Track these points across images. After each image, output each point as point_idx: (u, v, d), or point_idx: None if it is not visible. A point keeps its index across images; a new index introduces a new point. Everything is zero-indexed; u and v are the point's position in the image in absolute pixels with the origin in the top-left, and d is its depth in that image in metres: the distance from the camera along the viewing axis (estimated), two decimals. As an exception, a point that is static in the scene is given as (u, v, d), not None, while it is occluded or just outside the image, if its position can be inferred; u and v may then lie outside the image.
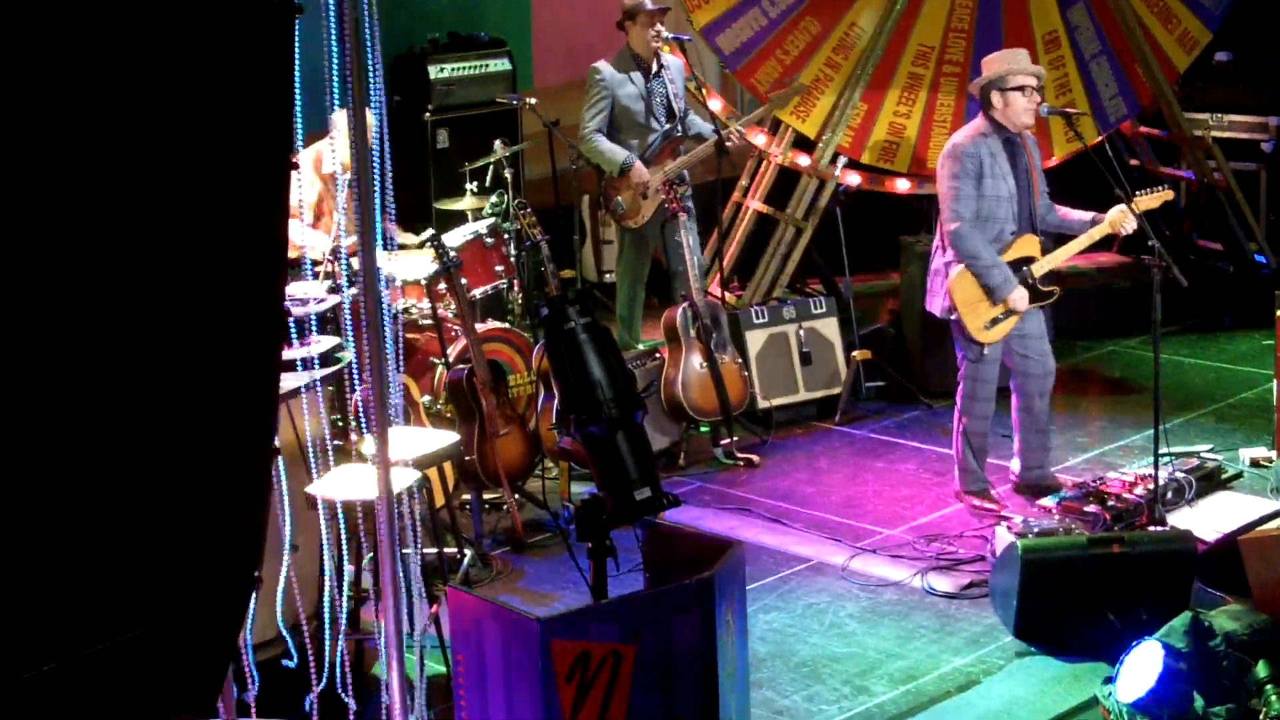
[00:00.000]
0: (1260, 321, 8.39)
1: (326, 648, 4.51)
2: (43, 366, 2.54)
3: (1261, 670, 4.83)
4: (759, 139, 9.00)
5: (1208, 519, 6.35)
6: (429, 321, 6.78)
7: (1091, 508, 6.28)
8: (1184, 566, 5.59)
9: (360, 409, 4.38)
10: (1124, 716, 4.89)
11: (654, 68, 7.97)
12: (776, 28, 8.72)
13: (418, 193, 8.73)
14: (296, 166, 3.01)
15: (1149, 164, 9.98)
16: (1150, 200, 6.63)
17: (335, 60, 3.71)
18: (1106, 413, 8.01)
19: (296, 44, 2.82)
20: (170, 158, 2.65)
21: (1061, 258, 6.73)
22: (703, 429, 7.76)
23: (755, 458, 7.59)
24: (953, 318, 6.63)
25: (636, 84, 7.96)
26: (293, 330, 4.91)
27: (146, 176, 2.62)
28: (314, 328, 5.15)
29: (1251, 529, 5.76)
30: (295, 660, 4.61)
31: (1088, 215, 6.70)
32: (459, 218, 7.85)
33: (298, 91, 2.89)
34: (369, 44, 3.72)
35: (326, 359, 5.05)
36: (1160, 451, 6.30)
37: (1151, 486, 6.32)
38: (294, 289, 5.24)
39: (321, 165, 6.96)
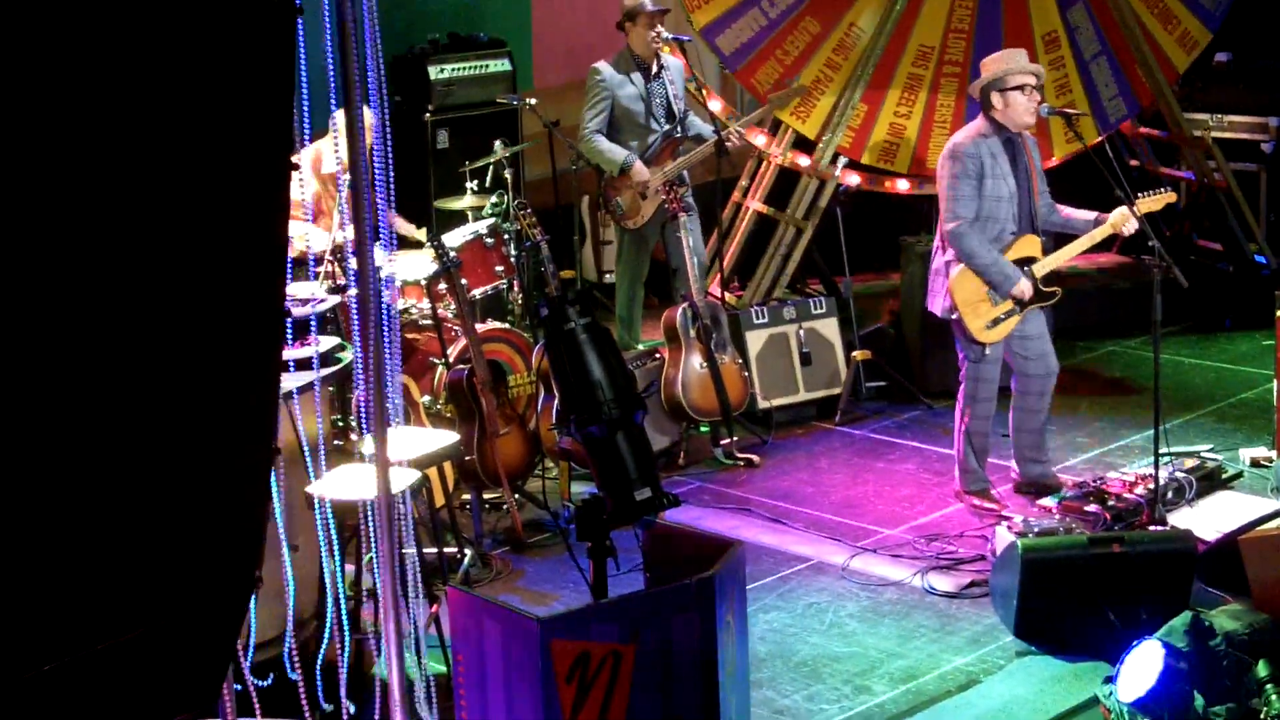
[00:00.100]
0: (1260, 322, 8.39)
1: (325, 648, 4.51)
2: (43, 367, 2.54)
3: (1261, 670, 4.83)
4: (759, 139, 9.00)
5: (1208, 519, 6.35)
6: (429, 321, 6.78)
7: (1092, 507, 6.29)
8: (1184, 566, 5.59)
9: (360, 409, 4.38)
10: (1124, 716, 4.89)
11: (654, 68, 7.97)
12: (776, 28, 8.72)
13: (418, 193, 8.73)
14: (297, 167, 3.02)
15: (1149, 164, 9.97)
16: (1152, 202, 6.64)
17: (334, 60, 3.71)
18: (1106, 413, 8.00)
19: (300, 44, 2.82)
20: (171, 158, 2.65)
21: (1062, 258, 6.73)
22: (703, 429, 7.75)
23: (755, 458, 7.58)
24: (954, 318, 6.63)
25: (636, 85, 7.96)
26: (289, 331, 4.90)
27: (147, 177, 2.62)
28: (314, 328, 5.15)
29: (1251, 529, 5.76)
30: (294, 663, 4.61)
31: (1091, 215, 6.69)
32: (459, 218, 7.85)
33: (304, 91, 2.89)
34: (369, 44, 3.72)
35: (327, 359, 5.05)
36: (1160, 451, 6.31)
37: (1152, 486, 6.32)
38: (294, 289, 5.24)
39: (321, 165, 6.96)
